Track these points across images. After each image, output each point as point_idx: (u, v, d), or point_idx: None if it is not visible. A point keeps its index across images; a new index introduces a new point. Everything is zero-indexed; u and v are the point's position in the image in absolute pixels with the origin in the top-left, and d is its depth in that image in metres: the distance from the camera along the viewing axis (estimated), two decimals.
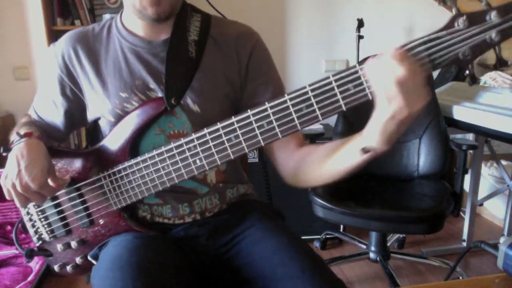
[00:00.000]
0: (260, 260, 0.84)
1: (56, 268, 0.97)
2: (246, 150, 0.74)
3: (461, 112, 1.71)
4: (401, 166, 1.81)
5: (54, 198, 0.91)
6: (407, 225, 1.51)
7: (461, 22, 0.59)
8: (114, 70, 0.88)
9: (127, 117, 0.86)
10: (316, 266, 0.80)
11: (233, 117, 0.73)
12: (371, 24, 2.38)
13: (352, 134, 0.73)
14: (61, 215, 0.92)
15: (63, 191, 0.90)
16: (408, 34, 2.53)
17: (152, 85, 0.87)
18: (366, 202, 1.58)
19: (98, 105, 0.90)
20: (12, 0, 2.22)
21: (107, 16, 1.96)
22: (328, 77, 0.66)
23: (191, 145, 0.78)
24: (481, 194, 2.17)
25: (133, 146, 0.87)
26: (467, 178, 1.95)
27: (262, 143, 0.72)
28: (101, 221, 0.91)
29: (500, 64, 0.61)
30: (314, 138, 1.76)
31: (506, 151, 2.44)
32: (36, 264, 1.85)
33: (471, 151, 2.05)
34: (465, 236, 2.16)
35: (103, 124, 0.91)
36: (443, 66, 0.61)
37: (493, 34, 0.58)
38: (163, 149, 0.80)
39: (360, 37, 2.28)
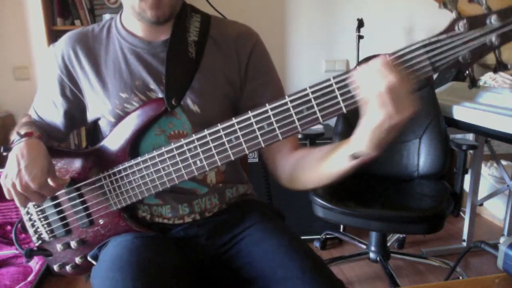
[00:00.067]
0: (260, 260, 0.84)
1: (55, 268, 0.97)
2: (247, 151, 0.74)
3: (461, 112, 1.71)
4: (401, 166, 1.81)
5: (54, 198, 0.91)
6: (407, 225, 1.51)
7: (461, 26, 0.60)
8: (114, 71, 0.88)
9: (128, 118, 0.86)
10: (316, 266, 0.80)
11: (233, 118, 0.73)
12: (371, 24, 2.38)
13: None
14: (61, 215, 0.92)
15: (63, 191, 0.90)
16: (408, 34, 2.53)
17: (152, 85, 0.87)
18: (366, 202, 1.58)
19: (98, 105, 0.90)
20: (12, 0, 2.22)
21: (107, 16, 1.96)
22: (329, 79, 0.66)
23: (191, 145, 0.78)
24: (481, 194, 2.17)
25: (133, 147, 0.87)
26: (467, 178, 1.95)
27: (263, 144, 0.72)
28: (101, 221, 0.91)
29: (500, 68, 0.61)
30: (314, 138, 1.76)
31: (506, 151, 2.45)
32: (36, 264, 1.85)
33: (471, 151, 2.05)
34: (465, 236, 2.16)
35: (103, 125, 0.91)
36: (444, 69, 0.61)
37: (493, 37, 0.59)
38: (164, 149, 0.81)
39: (360, 37, 2.28)
